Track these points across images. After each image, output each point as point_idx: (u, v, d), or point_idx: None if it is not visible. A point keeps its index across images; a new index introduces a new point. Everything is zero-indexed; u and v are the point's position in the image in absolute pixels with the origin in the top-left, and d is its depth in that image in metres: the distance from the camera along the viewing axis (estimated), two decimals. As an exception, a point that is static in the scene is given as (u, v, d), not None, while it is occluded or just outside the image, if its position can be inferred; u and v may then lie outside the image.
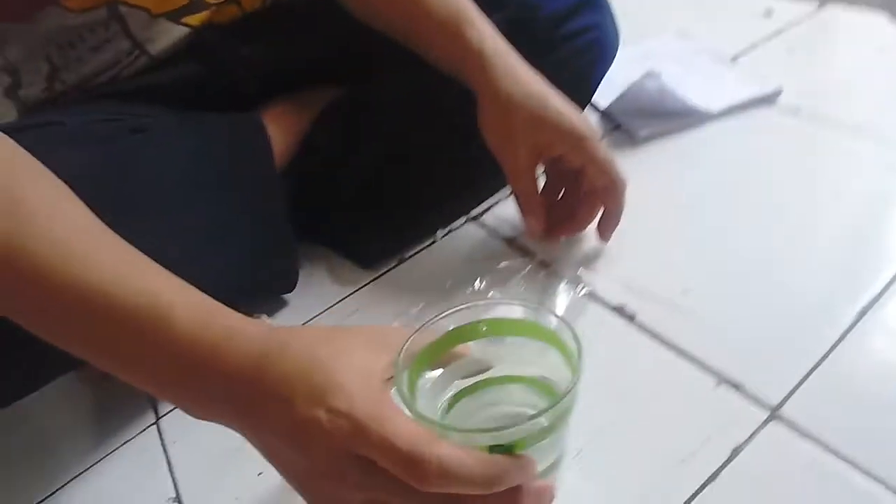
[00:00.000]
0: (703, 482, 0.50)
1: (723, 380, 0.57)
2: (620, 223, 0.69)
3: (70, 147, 0.61)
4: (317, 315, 0.72)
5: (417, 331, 0.46)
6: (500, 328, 0.49)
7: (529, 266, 0.70)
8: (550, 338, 0.46)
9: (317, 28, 0.79)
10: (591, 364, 0.59)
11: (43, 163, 0.46)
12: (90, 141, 0.63)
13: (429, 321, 0.47)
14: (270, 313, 0.74)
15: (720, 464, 0.51)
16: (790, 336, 0.59)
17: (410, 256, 0.77)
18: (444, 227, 0.80)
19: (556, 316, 0.46)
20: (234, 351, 0.40)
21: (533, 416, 0.40)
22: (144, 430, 0.66)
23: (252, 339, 0.41)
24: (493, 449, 0.40)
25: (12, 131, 0.47)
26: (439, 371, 0.48)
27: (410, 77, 0.77)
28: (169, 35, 0.72)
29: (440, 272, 0.73)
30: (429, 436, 0.37)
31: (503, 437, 0.40)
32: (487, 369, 0.49)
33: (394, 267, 0.76)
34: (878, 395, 0.53)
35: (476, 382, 0.49)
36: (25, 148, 0.46)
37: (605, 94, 0.93)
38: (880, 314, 0.59)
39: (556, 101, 0.65)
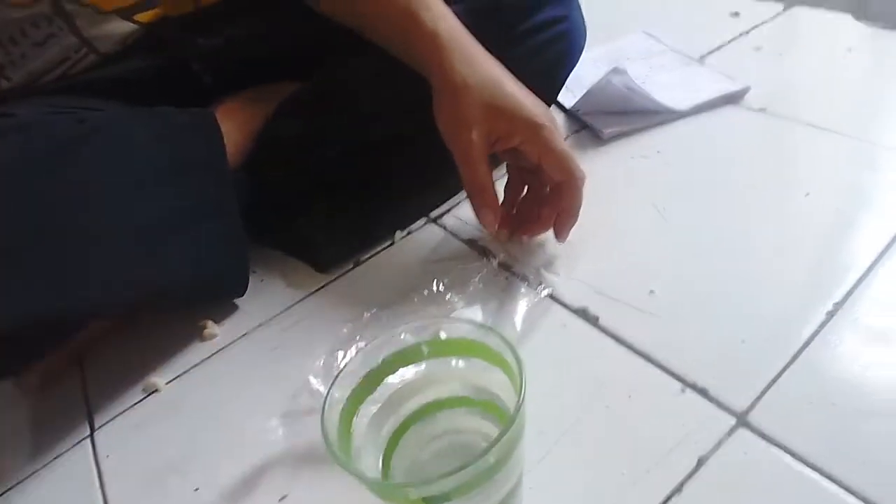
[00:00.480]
0: (668, 493, 0.47)
1: (688, 385, 0.54)
2: (585, 223, 0.66)
3: (17, 133, 0.58)
4: (266, 321, 0.69)
5: (351, 360, 0.44)
6: (443, 349, 0.46)
7: (489, 268, 0.67)
8: (495, 359, 0.43)
9: (275, 20, 0.77)
10: (552, 368, 0.57)
11: None
12: (39, 129, 0.60)
13: (366, 346, 0.45)
14: (220, 318, 0.70)
15: (686, 474, 0.48)
16: (757, 340, 0.57)
17: (367, 259, 0.74)
18: (403, 228, 0.77)
19: (500, 336, 0.42)
20: None
21: (461, 468, 0.36)
22: (78, 442, 0.62)
23: None
24: (429, 500, 0.37)
25: None
26: (380, 401, 0.46)
27: (370, 72, 0.74)
28: (119, 32, 0.69)
29: (398, 274, 0.70)
30: None
31: (442, 487, 0.37)
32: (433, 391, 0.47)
33: (350, 270, 0.73)
34: (847, 400, 0.51)
35: (423, 407, 0.47)
36: None
37: (571, 94, 0.92)
38: (849, 315, 0.57)
39: (514, 88, 0.62)
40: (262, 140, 0.77)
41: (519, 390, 0.39)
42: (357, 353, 0.45)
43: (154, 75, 0.73)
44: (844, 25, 1.03)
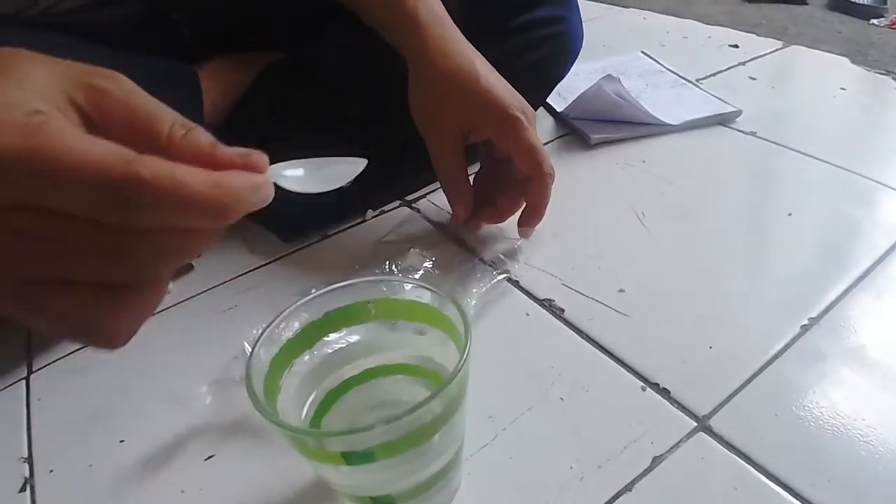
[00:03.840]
0: (618, 491, 0.44)
1: (650, 385, 0.51)
2: (562, 219, 0.64)
3: None
4: (221, 283, 0.65)
5: (285, 313, 0.40)
6: (391, 311, 0.43)
7: (453, 251, 0.65)
8: (444, 324, 0.40)
9: None
10: (509, 355, 0.54)
11: None
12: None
13: (308, 298, 0.41)
14: (175, 275, 0.67)
15: (639, 473, 0.45)
16: (727, 348, 0.54)
17: (335, 233, 0.71)
18: (375, 208, 0.74)
19: (455, 304, 0.39)
20: None
21: (389, 420, 0.32)
22: (13, 384, 0.57)
23: None
24: (349, 457, 0.34)
25: None
26: (318, 359, 0.42)
27: (350, 46, 0.72)
28: None
29: (358, 252, 0.67)
30: (131, 152, 0.24)
31: (366, 441, 0.33)
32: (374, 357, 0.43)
33: (314, 243, 0.70)
34: (814, 415, 0.48)
35: (364, 372, 0.43)
36: None
37: (562, 100, 0.90)
38: (824, 332, 0.55)
39: (489, 79, 0.59)
40: (239, 104, 0.74)
41: (463, 348, 0.36)
42: (301, 303, 0.41)
43: (138, 24, 0.70)
44: (840, 66, 1.04)
